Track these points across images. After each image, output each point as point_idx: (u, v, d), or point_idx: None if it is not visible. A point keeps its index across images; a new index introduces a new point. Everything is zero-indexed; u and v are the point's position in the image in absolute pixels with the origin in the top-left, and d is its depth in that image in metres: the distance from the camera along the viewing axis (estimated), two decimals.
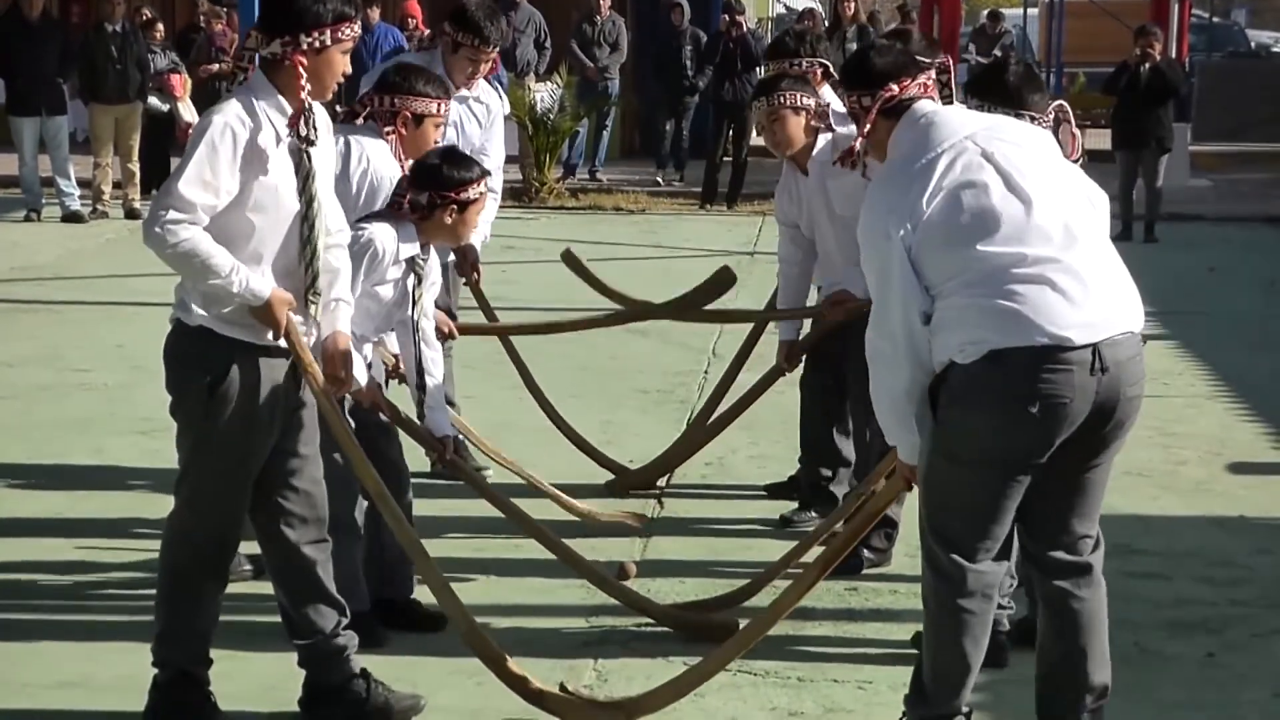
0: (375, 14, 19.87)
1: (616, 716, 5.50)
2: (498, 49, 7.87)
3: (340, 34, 5.21)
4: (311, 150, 5.20)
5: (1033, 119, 5.87)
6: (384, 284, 6.01)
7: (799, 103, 7.43)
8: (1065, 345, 4.77)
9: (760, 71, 20.47)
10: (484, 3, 7.74)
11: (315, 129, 5.26)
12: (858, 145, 5.29)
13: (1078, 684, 5.11)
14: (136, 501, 7.95)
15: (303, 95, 5.17)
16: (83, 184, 18.12)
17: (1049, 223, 4.88)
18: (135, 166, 18.43)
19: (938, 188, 4.89)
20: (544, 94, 20.63)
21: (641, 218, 19.39)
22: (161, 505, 7.68)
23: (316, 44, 5.14)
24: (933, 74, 5.36)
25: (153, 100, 18.74)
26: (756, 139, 22.35)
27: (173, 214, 4.96)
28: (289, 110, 5.17)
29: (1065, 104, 6.34)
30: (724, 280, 8.22)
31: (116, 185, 18.32)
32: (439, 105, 6.56)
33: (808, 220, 7.65)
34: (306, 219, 5.21)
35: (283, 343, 5.21)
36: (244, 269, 5.07)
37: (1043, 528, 5.07)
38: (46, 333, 12.12)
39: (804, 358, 7.82)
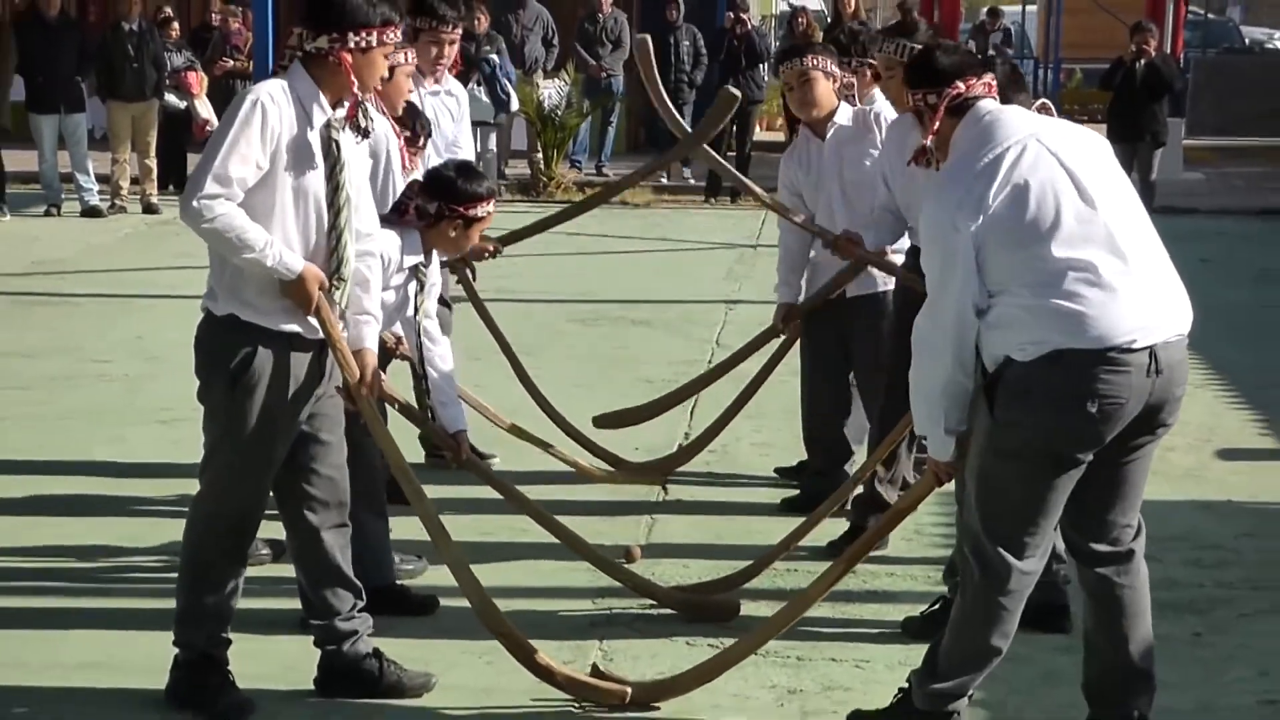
0: None
1: (618, 695, 5.51)
2: (459, 27, 7.68)
3: (385, 37, 5.31)
4: (342, 141, 5.25)
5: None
6: (386, 289, 6.01)
7: (828, 68, 7.51)
8: (1126, 348, 4.81)
9: (764, 69, 20.52)
10: None
11: (372, 120, 5.42)
12: (928, 142, 5.25)
13: (1131, 676, 5.18)
14: (156, 489, 7.98)
15: (355, 90, 5.26)
16: (101, 180, 18.12)
17: (1111, 225, 4.92)
18: (152, 163, 18.41)
19: (1005, 181, 4.91)
20: (551, 90, 20.64)
21: (647, 211, 19.38)
22: (180, 492, 7.80)
23: (363, 44, 5.23)
24: (994, 75, 5.35)
25: (169, 97, 18.72)
26: (760, 134, 22.52)
27: (209, 188, 5.05)
28: (324, 103, 5.24)
29: (1049, 103, 6.39)
30: (727, 101, 8.28)
31: (134, 181, 18.32)
32: (405, 55, 6.57)
33: (813, 186, 7.66)
34: (332, 205, 5.27)
35: (313, 321, 5.27)
36: (278, 243, 5.15)
37: (1087, 520, 5.13)
38: (66, 325, 12.14)
39: (806, 340, 7.83)
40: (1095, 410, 4.82)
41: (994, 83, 5.30)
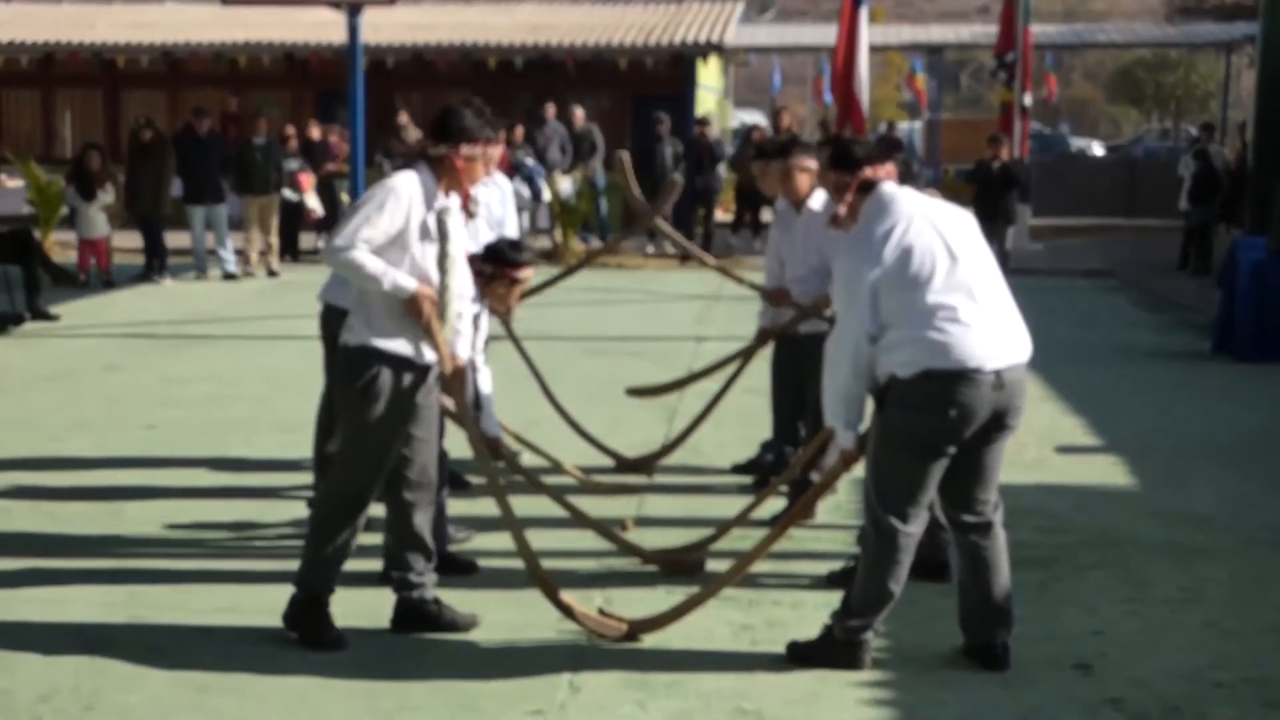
0: None
1: (617, 629, 5.51)
2: (498, 140, 7.49)
3: (487, 150, 5.48)
4: (450, 223, 5.34)
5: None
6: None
7: (806, 165, 7.43)
8: (977, 369, 4.93)
9: (721, 168, 20.49)
10: (472, 105, 7.39)
11: (476, 204, 5.68)
12: (841, 210, 5.30)
13: (993, 613, 5.24)
14: (277, 480, 7.96)
15: (466, 185, 5.43)
16: (237, 253, 18.13)
17: (971, 279, 5.03)
18: (274, 240, 18.44)
19: (897, 244, 5.00)
20: (567, 185, 20.68)
21: (636, 272, 19.38)
22: (295, 482, 7.77)
23: (470, 154, 5.37)
24: (893, 165, 5.45)
25: (286, 192, 18.78)
26: (719, 215, 22.53)
27: (345, 240, 5.18)
28: (438, 193, 5.35)
29: (936, 190, 6.34)
30: (670, 186, 8.54)
31: (261, 253, 18.34)
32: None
33: (788, 247, 7.57)
34: (443, 267, 5.32)
35: (429, 353, 5.33)
36: (394, 272, 5.22)
37: (955, 496, 5.21)
38: (210, 359, 12.11)
39: (775, 359, 7.78)
40: (955, 415, 4.95)
41: (895, 170, 5.41)
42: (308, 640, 5.41)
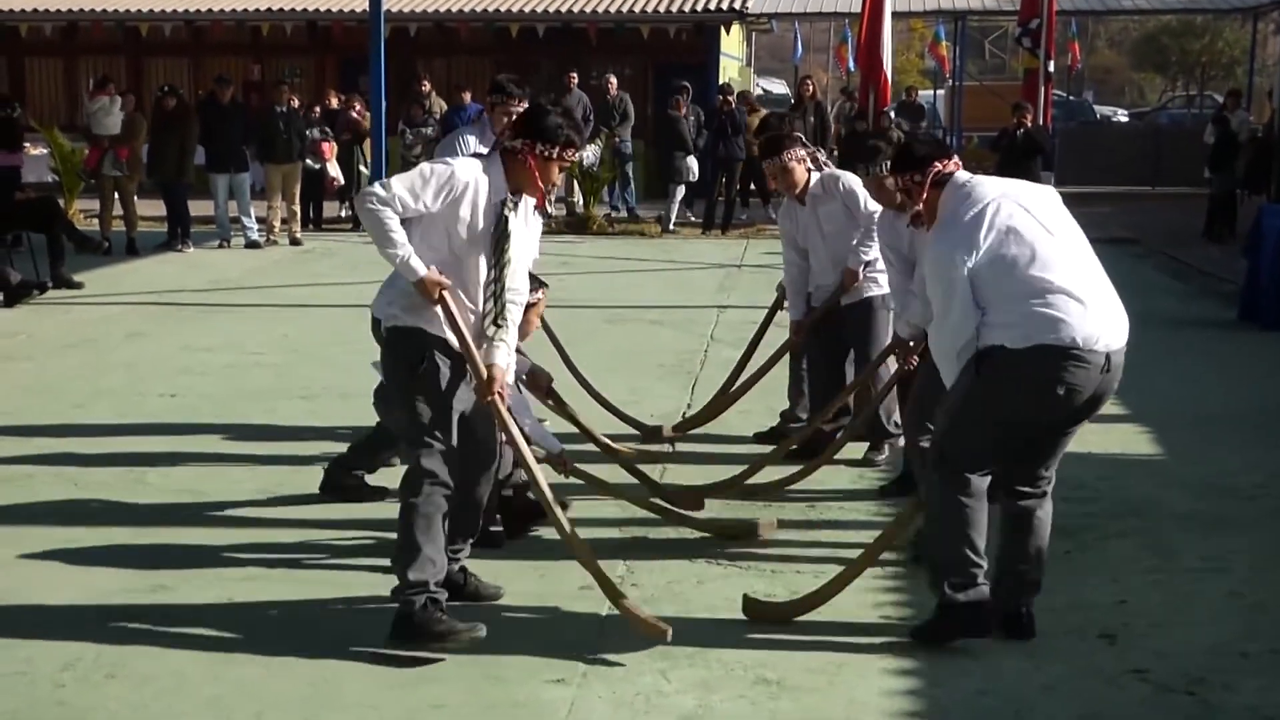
0: (467, 96, 19.80)
1: (663, 629, 5.10)
2: (523, 100, 7.25)
3: (565, 155, 5.16)
4: (511, 218, 5.09)
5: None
6: None
7: (798, 155, 7.58)
8: (1089, 348, 4.83)
9: (742, 139, 20.38)
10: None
11: (552, 202, 5.37)
12: (919, 209, 5.27)
13: (1026, 581, 5.21)
14: (300, 448, 7.94)
15: (539, 184, 5.16)
16: (259, 221, 18.12)
17: (1073, 256, 4.98)
18: (297, 208, 18.46)
19: (990, 227, 4.92)
20: (588, 153, 20.60)
21: (659, 240, 19.34)
22: (318, 449, 7.75)
23: (547, 153, 5.10)
24: (957, 157, 5.32)
25: (308, 160, 18.78)
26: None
27: (380, 190, 4.94)
28: (504, 187, 5.09)
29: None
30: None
31: (283, 222, 18.33)
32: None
33: (803, 236, 7.77)
34: (497, 264, 5.09)
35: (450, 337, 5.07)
36: (412, 253, 4.97)
37: (1022, 470, 5.14)
38: (232, 327, 12.12)
39: (814, 340, 7.84)
40: (1062, 393, 4.85)
41: (960, 160, 5.28)
42: (437, 642, 5.01)
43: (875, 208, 7.32)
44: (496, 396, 5.12)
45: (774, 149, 7.66)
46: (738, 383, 8.45)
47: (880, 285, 7.54)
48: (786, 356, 8.28)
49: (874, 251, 7.47)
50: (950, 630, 5.10)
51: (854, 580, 5.44)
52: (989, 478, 5.06)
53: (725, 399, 8.43)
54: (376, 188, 4.97)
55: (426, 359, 5.08)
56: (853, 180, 7.49)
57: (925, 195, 5.19)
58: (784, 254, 7.99)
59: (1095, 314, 4.87)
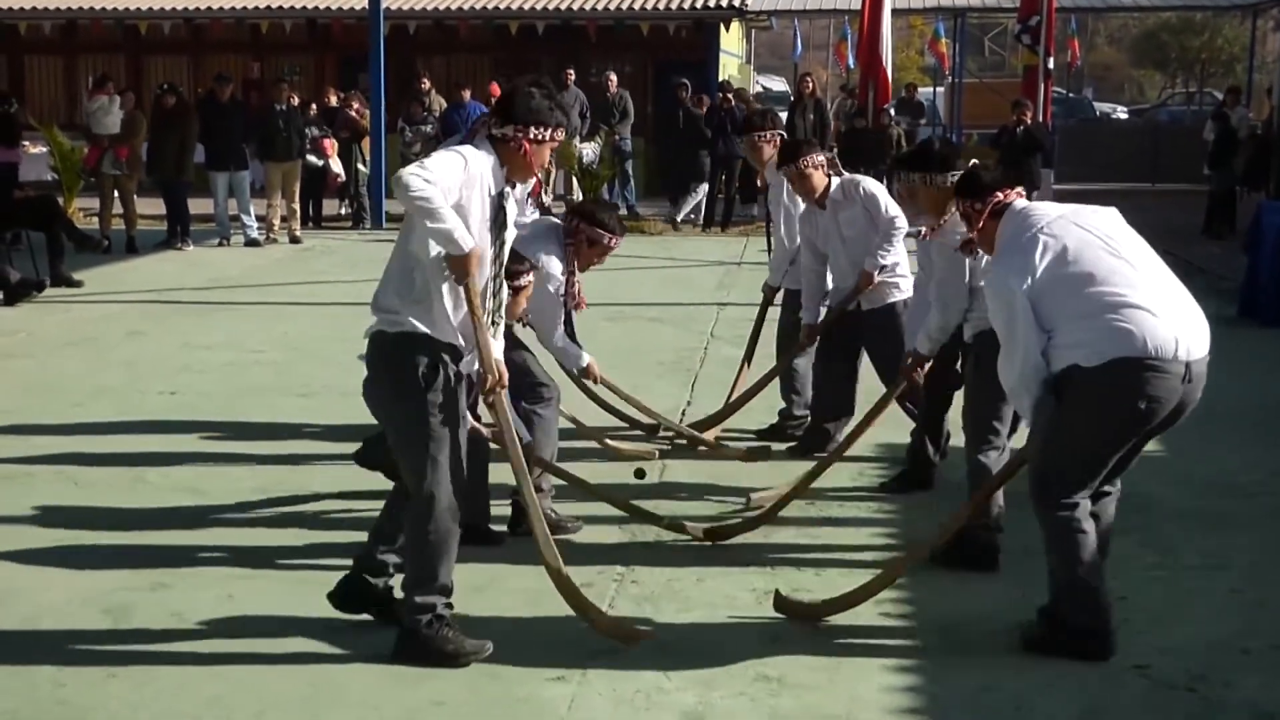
0: (466, 94, 19.79)
1: (640, 634, 5.09)
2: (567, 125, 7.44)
3: (555, 136, 4.97)
4: (507, 209, 4.94)
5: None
6: None
7: (816, 160, 7.60)
8: (1166, 357, 4.74)
9: (739, 137, 20.32)
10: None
11: (548, 192, 5.18)
12: (974, 237, 5.30)
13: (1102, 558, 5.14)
14: (299, 446, 7.95)
15: (529, 172, 5.02)
16: (259, 219, 18.11)
17: (1140, 268, 4.89)
18: (296, 206, 18.43)
19: (1045, 249, 4.88)
20: (587, 151, 20.59)
21: (660, 238, 19.32)
22: (317, 448, 7.75)
23: (540, 137, 4.90)
24: (1020, 188, 5.31)
25: (310, 158, 18.78)
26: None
27: (421, 172, 4.59)
28: (499, 175, 4.88)
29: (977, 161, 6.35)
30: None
31: (283, 220, 18.32)
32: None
33: (823, 241, 7.75)
34: (497, 258, 4.94)
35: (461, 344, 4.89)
36: (462, 224, 4.68)
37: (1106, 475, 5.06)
38: (232, 325, 12.11)
39: (826, 342, 7.82)
40: (1144, 407, 4.77)
41: (1022, 191, 5.28)
42: (443, 660, 4.93)
43: (896, 212, 7.37)
44: (501, 391, 5.03)
45: (791, 155, 7.66)
46: (740, 388, 8.41)
47: (902, 290, 7.55)
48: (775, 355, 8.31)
49: (894, 256, 7.49)
50: (1075, 649, 4.99)
51: (891, 583, 5.37)
52: (1088, 500, 4.99)
53: (731, 406, 8.37)
54: (420, 170, 4.63)
55: (440, 366, 4.86)
56: (873, 185, 7.55)
57: (982, 224, 5.20)
58: (802, 258, 7.92)
59: (1169, 324, 4.77)
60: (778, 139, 8.21)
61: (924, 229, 6.39)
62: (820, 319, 7.83)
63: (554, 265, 6.46)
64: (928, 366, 6.46)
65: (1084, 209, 5.13)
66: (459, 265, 4.70)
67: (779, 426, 8.23)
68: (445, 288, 4.82)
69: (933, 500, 6.93)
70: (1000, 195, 5.18)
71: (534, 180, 5.34)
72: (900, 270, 7.56)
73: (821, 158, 7.64)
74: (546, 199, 6.12)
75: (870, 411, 6.77)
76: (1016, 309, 4.84)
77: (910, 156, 6.50)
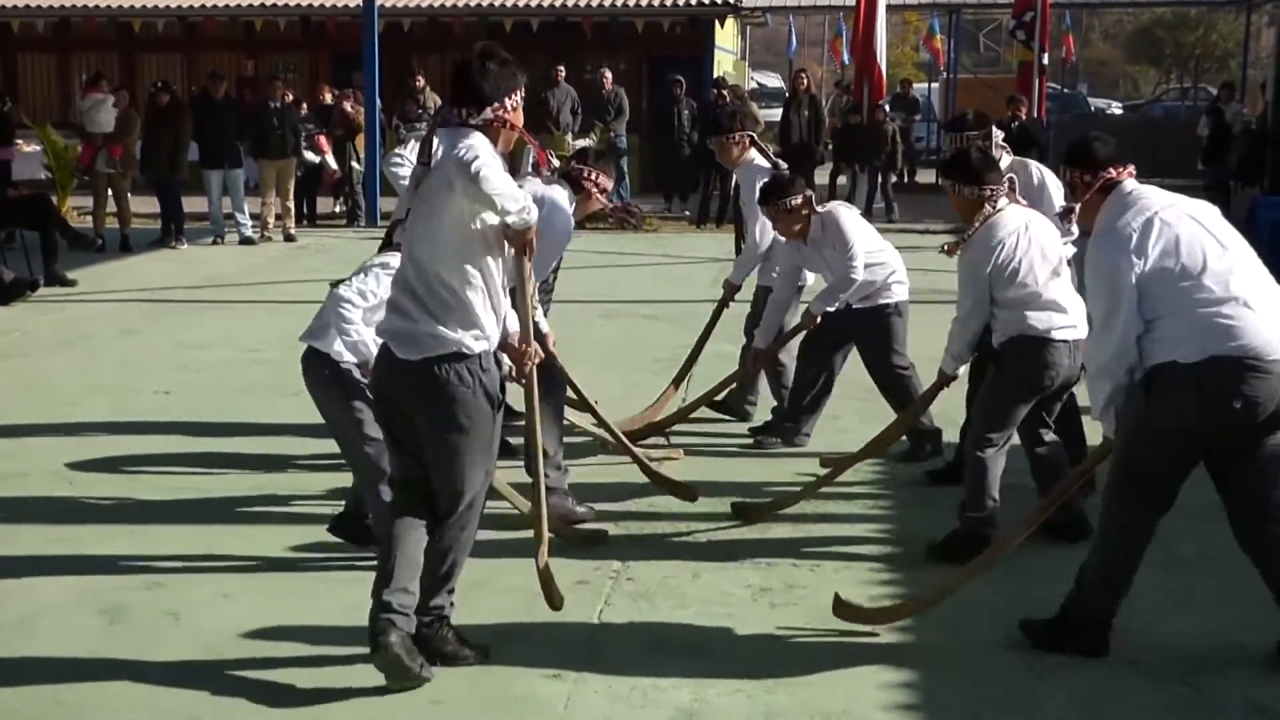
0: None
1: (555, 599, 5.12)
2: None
3: (523, 92, 4.77)
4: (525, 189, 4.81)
5: (993, 191, 5.89)
6: None
7: (791, 205, 7.50)
8: (1267, 356, 4.62)
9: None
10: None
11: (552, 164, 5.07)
12: (1076, 210, 5.11)
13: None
14: (294, 445, 7.92)
15: (530, 138, 4.95)
16: (253, 217, 18.10)
17: (1243, 266, 4.77)
18: (291, 204, 18.40)
19: (1158, 236, 4.74)
20: (580, 146, 20.60)
21: (654, 234, 19.32)
22: (312, 447, 7.74)
23: (516, 104, 4.70)
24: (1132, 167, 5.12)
25: (306, 154, 18.75)
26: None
27: (481, 159, 4.40)
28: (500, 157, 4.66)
29: (1014, 177, 6.34)
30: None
31: (278, 218, 18.29)
32: None
33: (811, 266, 7.86)
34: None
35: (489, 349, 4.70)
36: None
37: (1251, 503, 4.92)
38: (227, 324, 12.11)
39: (811, 341, 7.84)
40: (1239, 407, 4.63)
41: (1134, 171, 5.08)
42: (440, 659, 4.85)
43: (858, 251, 7.45)
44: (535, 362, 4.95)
45: (768, 197, 7.59)
46: (676, 399, 8.49)
47: (894, 294, 7.64)
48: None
49: (873, 273, 7.56)
50: (1064, 644, 5.00)
51: (956, 591, 5.27)
52: (1161, 516, 4.91)
53: (676, 414, 8.36)
54: (473, 155, 4.46)
55: (501, 380, 4.74)
56: (843, 218, 7.55)
57: (1089, 197, 5.04)
58: (776, 289, 7.93)
59: (1269, 321, 4.66)
60: (746, 140, 8.23)
61: (945, 244, 6.35)
62: (771, 342, 7.91)
63: (562, 198, 6.48)
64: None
65: (1191, 200, 5.00)
66: (520, 238, 4.60)
67: (773, 424, 8.22)
68: (481, 295, 4.63)
69: (932, 498, 6.94)
70: (1114, 172, 5.01)
71: (536, 149, 5.30)
72: (894, 275, 7.65)
73: (799, 199, 7.51)
74: (545, 172, 6.13)
75: (921, 399, 6.96)
76: (1122, 291, 4.71)
77: (946, 163, 6.47)
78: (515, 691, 4.72)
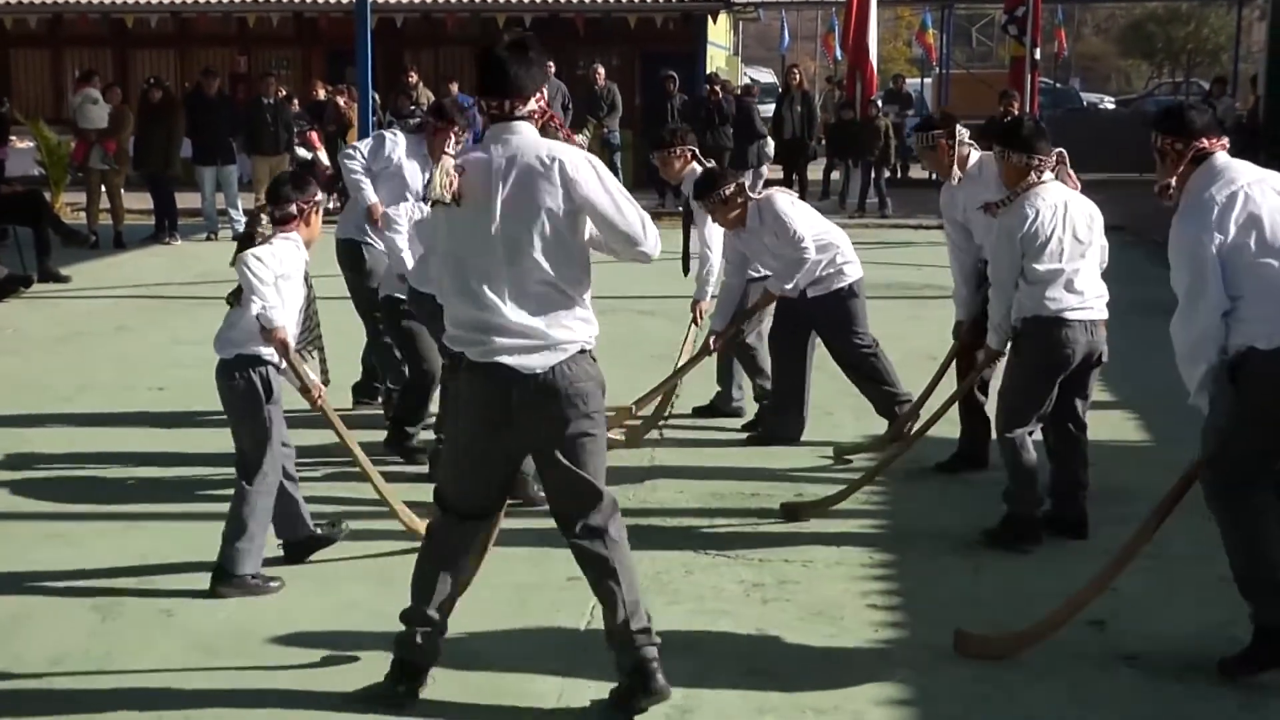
0: (455, 87, 19.73)
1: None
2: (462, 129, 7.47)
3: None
4: None
5: (1040, 161, 5.95)
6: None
7: (726, 195, 7.64)
8: None
9: (728, 130, 20.26)
10: (454, 101, 7.54)
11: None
12: (1173, 182, 4.80)
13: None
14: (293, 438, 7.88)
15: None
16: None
17: None
18: None
19: (1243, 210, 4.61)
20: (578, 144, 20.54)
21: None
22: (304, 440, 7.71)
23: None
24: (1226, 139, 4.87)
25: (299, 150, 18.73)
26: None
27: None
28: None
29: (1064, 151, 6.35)
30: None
31: None
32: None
33: (754, 255, 7.94)
34: None
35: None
36: None
37: None
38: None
39: (777, 333, 7.94)
40: None
41: (1227, 144, 4.86)
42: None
43: (804, 233, 7.53)
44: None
45: (704, 190, 7.73)
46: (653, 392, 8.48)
47: (847, 275, 7.71)
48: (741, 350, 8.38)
49: (830, 250, 7.65)
50: (1268, 660, 4.79)
51: (1074, 616, 5.04)
52: (1268, 492, 4.73)
53: (660, 404, 8.38)
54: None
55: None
56: (782, 206, 7.62)
57: (1181, 168, 4.81)
58: (725, 274, 8.15)
59: None
60: (688, 154, 8.29)
61: (986, 203, 6.32)
62: (725, 326, 8.02)
63: None
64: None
65: (1274, 176, 4.81)
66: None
67: (761, 415, 8.24)
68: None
69: (923, 492, 6.95)
70: (1206, 142, 4.79)
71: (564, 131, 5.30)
72: (842, 256, 7.71)
73: (731, 187, 7.66)
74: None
75: (953, 395, 6.97)
76: (1206, 265, 4.57)
77: (1000, 129, 6.47)
78: (508, 686, 4.71)
